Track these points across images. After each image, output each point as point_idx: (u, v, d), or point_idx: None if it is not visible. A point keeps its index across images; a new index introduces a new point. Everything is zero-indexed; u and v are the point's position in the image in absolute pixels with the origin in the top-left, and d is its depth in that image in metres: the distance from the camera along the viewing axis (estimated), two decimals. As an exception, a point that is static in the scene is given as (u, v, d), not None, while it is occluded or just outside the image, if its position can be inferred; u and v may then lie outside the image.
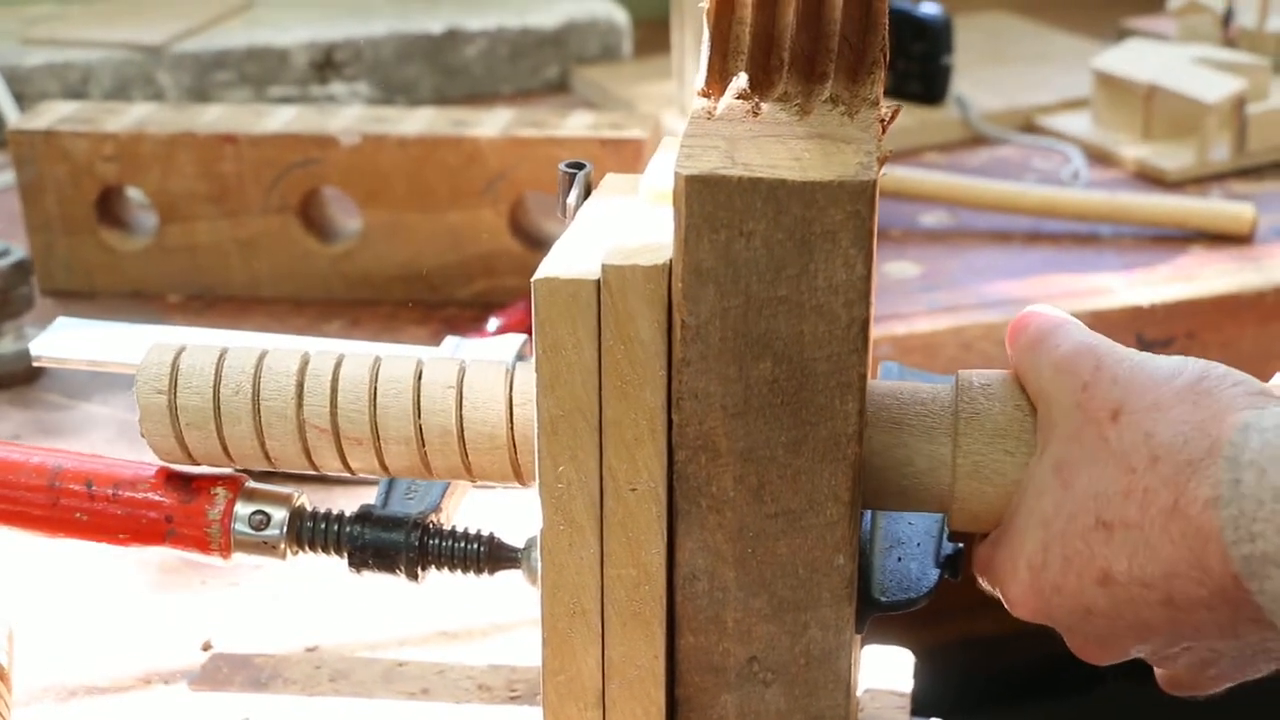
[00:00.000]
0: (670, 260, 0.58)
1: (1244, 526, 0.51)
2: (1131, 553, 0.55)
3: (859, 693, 0.77)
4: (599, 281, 0.59)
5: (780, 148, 0.58)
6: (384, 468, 0.67)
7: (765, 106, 0.61)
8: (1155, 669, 0.61)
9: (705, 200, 0.56)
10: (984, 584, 0.64)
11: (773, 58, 0.62)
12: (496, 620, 0.86)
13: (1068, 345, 0.60)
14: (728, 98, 0.61)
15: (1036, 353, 0.61)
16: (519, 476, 0.66)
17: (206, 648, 0.84)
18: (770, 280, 0.57)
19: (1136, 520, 0.55)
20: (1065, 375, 0.59)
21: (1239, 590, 0.52)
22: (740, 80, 0.61)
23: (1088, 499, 0.56)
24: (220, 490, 0.70)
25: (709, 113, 0.61)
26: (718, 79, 0.62)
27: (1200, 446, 0.53)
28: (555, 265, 0.60)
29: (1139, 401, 0.56)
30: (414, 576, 0.71)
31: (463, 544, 0.71)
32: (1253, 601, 0.52)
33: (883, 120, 0.61)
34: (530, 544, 0.70)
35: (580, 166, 0.68)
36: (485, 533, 0.71)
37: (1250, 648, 0.56)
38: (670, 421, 0.60)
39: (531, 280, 0.59)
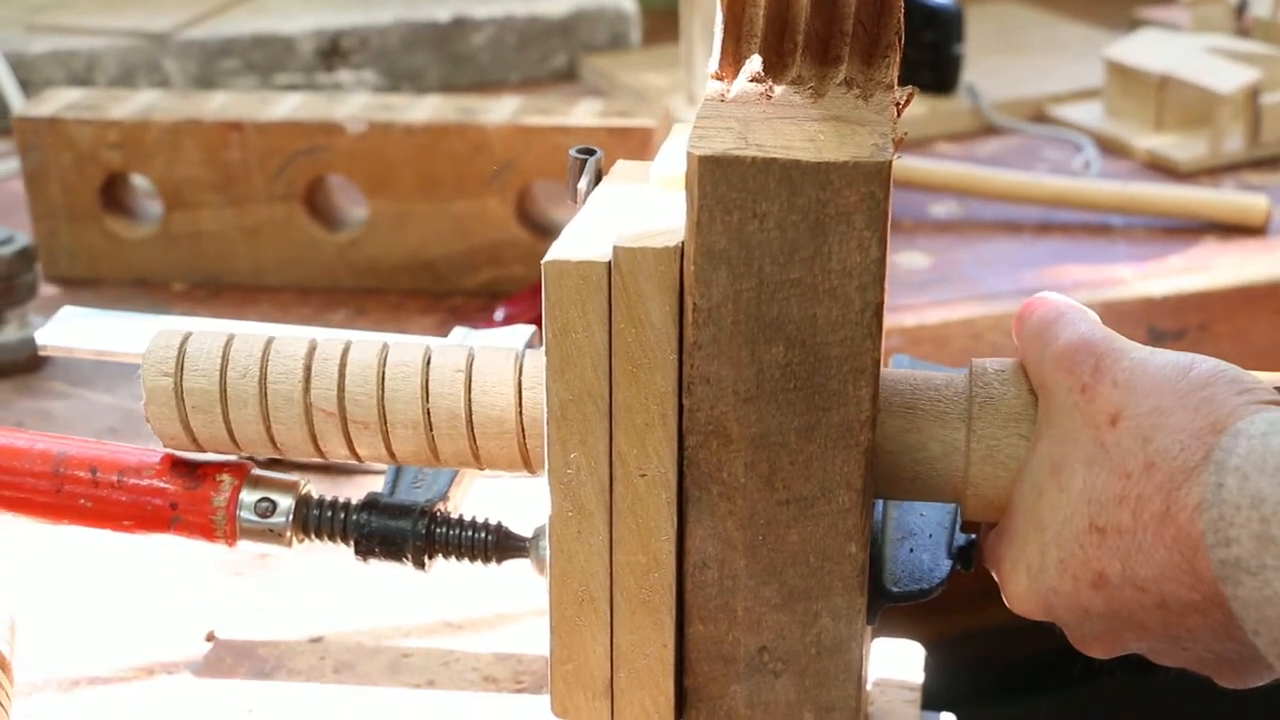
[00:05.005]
0: (682, 243, 0.58)
1: (1222, 531, 0.50)
2: (1125, 557, 0.55)
3: (869, 685, 0.76)
4: (610, 264, 0.58)
5: (794, 129, 0.57)
6: (391, 454, 0.66)
7: (779, 89, 0.60)
8: None
9: (718, 181, 0.55)
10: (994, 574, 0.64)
11: (786, 41, 0.61)
12: (502, 610, 0.86)
13: (1066, 340, 0.59)
14: (741, 81, 0.61)
15: (1038, 343, 0.60)
16: (527, 464, 0.66)
17: (210, 638, 0.83)
18: (783, 263, 0.56)
19: (1129, 526, 0.54)
20: (1064, 374, 0.58)
21: (1223, 595, 0.51)
22: (754, 63, 0.61)
23: (1082, 503, 0.56)
24: (226, 477, 0.69)
25: (722, 95, 0.60)
26: (731, 62, 0.61)
27: (1195, 454, 0.53)
28: (565, 248, 0.59)
29: (1139, 406, 0.55)
30: (421, 565, 0.70)
31: (470, 533, 0.70)
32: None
33: (897, 104, 0.60)
34: (538, 533, 0.69)
35: (591, 152, 0.67)
36: (493, 521, 0.70)
37: (1247, 651, 0.55)
38: (681, 406, 0.59)
39: (541, 262, 0.58)
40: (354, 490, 0.73)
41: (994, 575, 0.63)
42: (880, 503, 0.67)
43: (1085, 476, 0.56)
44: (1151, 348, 0.57)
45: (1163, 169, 1.46)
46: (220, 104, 1.25)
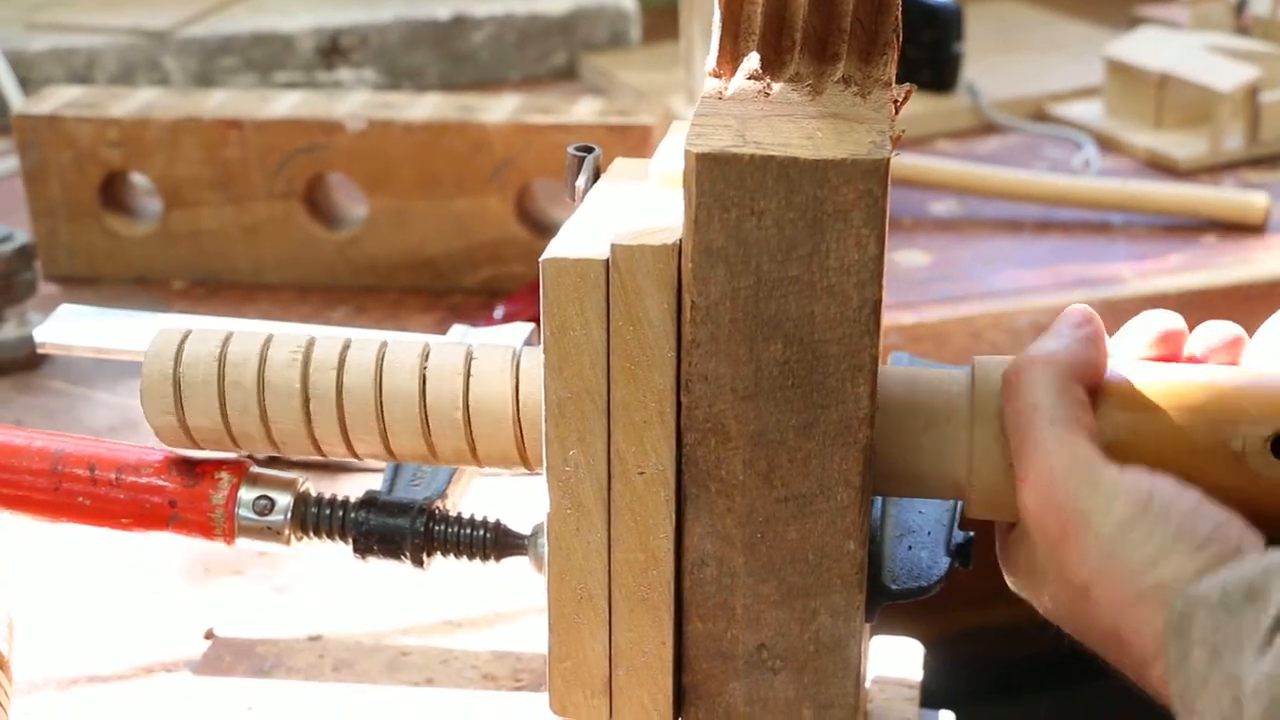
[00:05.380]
0: (680, 240, 0.58)
1: (1188, 702, 0.51)
2: (1114, 661, 0.57)
3: (867, 683, 0.76)
4: (607, 261, 0.58)
5: (792, 127, 0.57)
6: (390, 453, 0.66)
7: (777, 87, 0.60)
8: None
9: (716, 179, 0.55)
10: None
11: (784, 38, 0.61)
12: (501, 608, 0.86)
13: (1032, 481, 0.57)
14: (739, 78, 0.60)
15: (1015, 447, 0.59)
16: (525, 462, 0.66)
17: (209, 636, 0.83)
18: (781, 260, 0.56)
19: (1115, 657, 0.56)
20: (1035, 523, 0.58)
21: None
22: (752, 61, 0.61)
23: (1071, 620, 0.58)
24: (224, 475, 0.69)
25: (720, 93, 0.60)
26: (729, 60, 0.61)
27: (1158, 641, 0.54)
28: (563, 245, 0.59)
29: (1107, 593, 0.55)
30: (419, 563, 0.70)
31: (469, 530, 0.70)
32: None
33: (895, 101, 0.60)
34: (537, 530, 0.69)
35: (589, 150, 0.67)
36: (491, 519, 0.70)
37: None
38: (679, 404, 0.59)
39: (539, 260, 0.58)
40: (352, 488, 0.73)
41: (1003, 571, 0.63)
42: (879, 500, 0.67)
43: (1070, 610, 0.58)
44: (1114, 518, 0.56)
45: (1162, 167, 1.46)
46: (220, 102, 1.25)
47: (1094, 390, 0.59)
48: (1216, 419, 0.59)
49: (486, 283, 1.24)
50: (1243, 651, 0.50)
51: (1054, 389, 0.58)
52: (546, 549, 0.62)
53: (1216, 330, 0.63)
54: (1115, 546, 0.55)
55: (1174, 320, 0.63)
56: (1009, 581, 0.62)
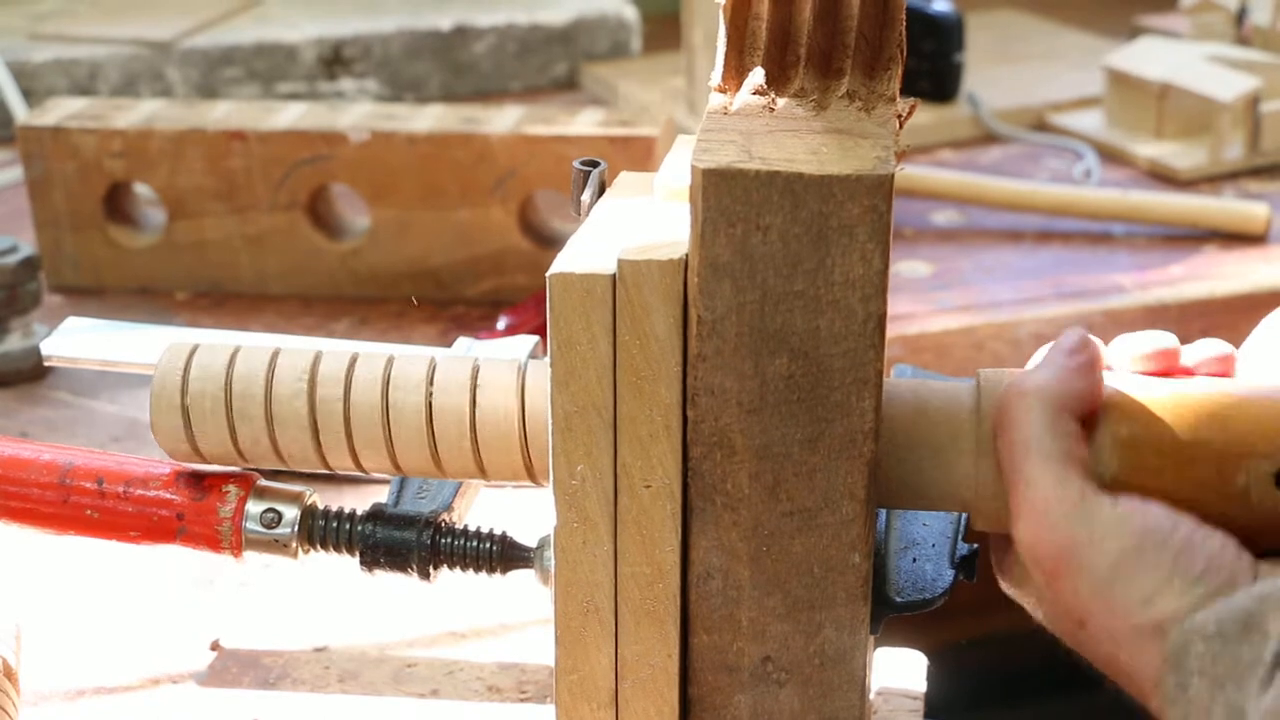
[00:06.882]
0: (686, 255, 0.58)
1: None
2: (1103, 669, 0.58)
3: (872, 694, 0.76)
4: (614, 276, 0.58)
5: (797, 142, 0.57)
6: (396, 466, 0.67)
7: (781, 102, 0.60)
8: None
9: (722, 194, 0.55)
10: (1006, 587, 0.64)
11: (789, 53, 0.62)
12: (506, 620, 0.86)
13: (1024, 523, 0.58)
14: (744, 93, 0.61)
15: (1009, 486, 0.60)
16: (531, 475, 0.66)
17: (215, 647, 0.83)
18: (787, 275, 0.56)
19: (1114, 680, 0.58)
20: (1029, 558, 0.58)
21: None
22: (757, 76, 0.61)
23: (1072, 643, 0.59)
24: (232, 488, 0.70)
25: (725, 108, 0.60)
26: (734, 75, 0.62)
27: (1154, 668, 0.55)
28: (570, 260, 0.59)
29: (1101, 628, 0.56)
30: (426, 576, 0.70)
31: (475, 543, 0.70)
32: None
33: (900, 116, 0.61)
34: (543, 543, 0.69)
35: (594, 164, 0.68)
36: (498, 532, 0.71)
37: None
38: (685, 418, 0.59)
39: (546, 275, 0.59)
40: (359, 500, 0.73)
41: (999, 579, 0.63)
42: (883, 513, 0.68)
43: (1068, 636, 0.59)
44: (1108, 555, 0.56)
45: (1163, 177, 1.46)
46: (223, 113, 1.26)
47: (1088, 418, 0.59)
48: (1222, 453, 0.58)
49: (489, 293, 1.24)
50: (1244, 684, 0.50)
51: (1045, 422, 0.58)
52: (553, 562, 0.63)
53: (1209, 348, 0.64)
54: (1110, 584, 0.56)
55: (1169, 339, 0.64)
56: (1005, 588, 0.63)
